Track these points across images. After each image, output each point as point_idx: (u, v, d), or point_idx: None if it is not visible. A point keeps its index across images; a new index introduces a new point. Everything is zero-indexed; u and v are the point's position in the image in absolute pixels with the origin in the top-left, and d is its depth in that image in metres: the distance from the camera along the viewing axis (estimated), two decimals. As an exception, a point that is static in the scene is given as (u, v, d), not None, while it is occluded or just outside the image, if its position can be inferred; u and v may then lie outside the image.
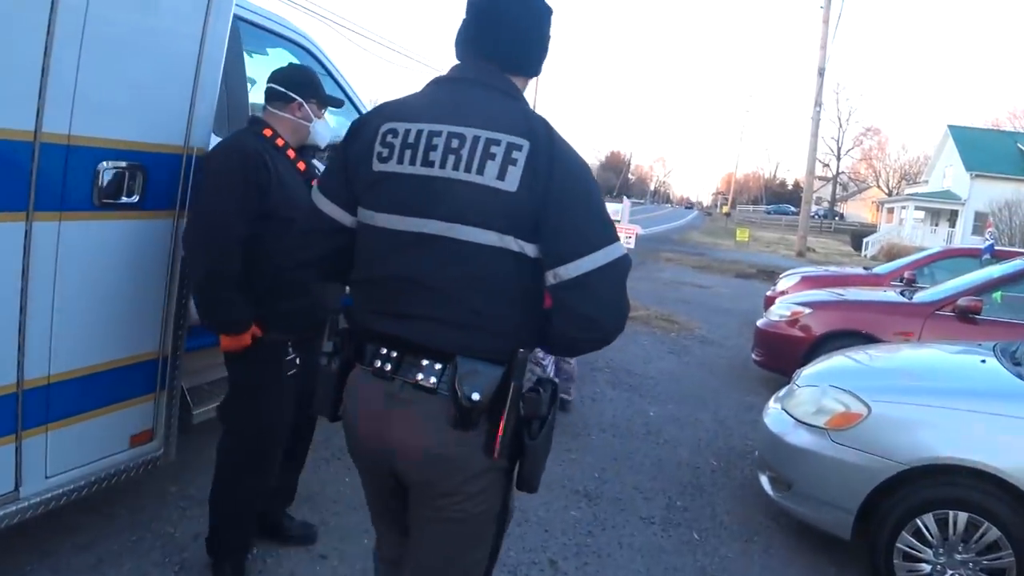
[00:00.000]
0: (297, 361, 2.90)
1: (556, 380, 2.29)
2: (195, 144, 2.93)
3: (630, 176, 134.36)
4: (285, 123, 2.92)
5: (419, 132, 1.66)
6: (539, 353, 5.35)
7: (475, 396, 1.57)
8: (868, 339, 6.42)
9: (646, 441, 5.33)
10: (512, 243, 1.61)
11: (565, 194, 1.62)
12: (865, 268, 10.61)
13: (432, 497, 1.70)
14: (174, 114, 2.86)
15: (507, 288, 1.64)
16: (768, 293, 10.50)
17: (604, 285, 1.63)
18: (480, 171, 1.59)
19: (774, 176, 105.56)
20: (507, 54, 1.77)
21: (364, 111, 4.71)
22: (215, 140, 3.53)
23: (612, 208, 10.92)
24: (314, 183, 1.94)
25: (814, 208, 49.01)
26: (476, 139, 1.61)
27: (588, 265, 1.60)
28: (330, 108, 3.25)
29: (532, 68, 1.84)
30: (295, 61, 4.56)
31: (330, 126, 3.17)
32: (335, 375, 1.80)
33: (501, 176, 1.59)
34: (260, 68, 4.84)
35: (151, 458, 3.05)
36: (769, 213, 79.38)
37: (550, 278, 1.62)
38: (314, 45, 4.47)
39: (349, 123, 1.91)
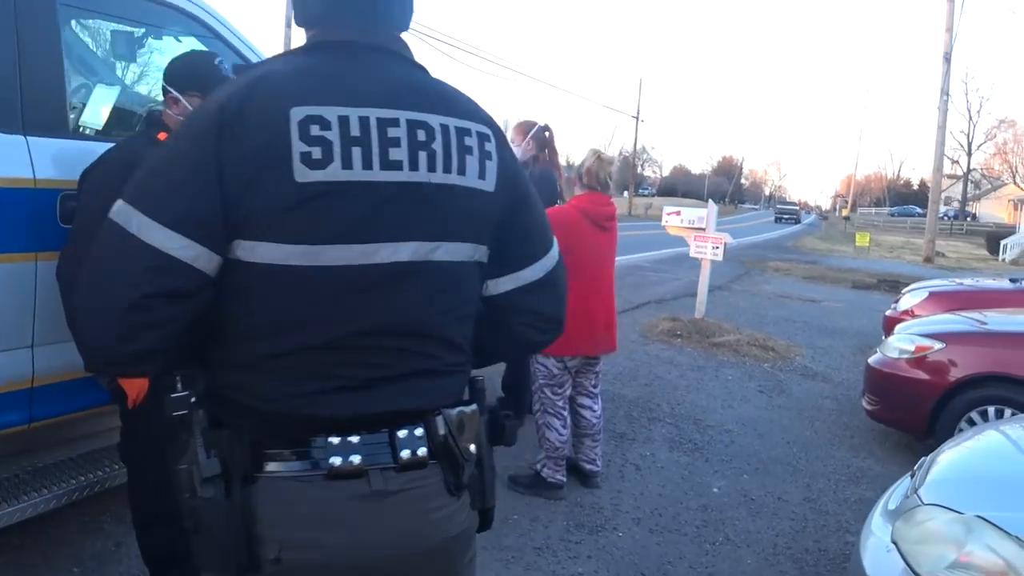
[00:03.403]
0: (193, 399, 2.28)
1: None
2: None
3: (743, 181, 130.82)
4: (172, 123, 2.55)
5: (364, 120, 1.21)
6: (558, 402, 3.98)
7: (473, 448, 1.35)
8: (1026, 388, 4.66)
9: (697, 540, 3.77)
10: (483, 253, 1.37)
11: (524, 188, 1.46)
12: (1012, 280, 8.51)
13: None
14: None
15: (472, 308, 1.39)
16: (888, 313, 8.59)
17: (561, 280, 1.53)
18: (462, 170, 1.30)
19: (897, 176, 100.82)
20: (398, 8, 1.36)
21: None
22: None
23: (696, 214, 9.36)
24: (119, 208, 1.17)
25: (943, 209, 45.38)
26: (445, 129, 1.29)
27: (551, 262, 1.49)
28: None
29: (409, 22, 1.41)
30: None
31: None
32: (240, 506, 1.18)
33: (482, 175, 1.34)
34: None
35: None
36: (893, 215, 75.43)
37: (507, 283, 1.44)
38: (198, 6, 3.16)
39: None
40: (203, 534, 1.19)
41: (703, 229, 9.11)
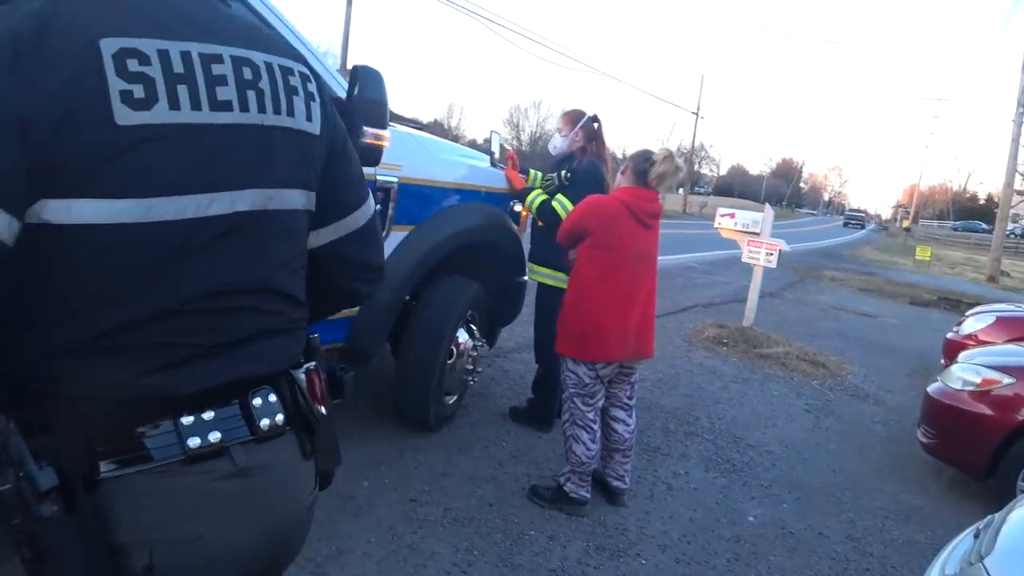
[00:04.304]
0: None
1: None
2: None
3: (802, 185, 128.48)
4: None
5: (186, 56, 1.06)
6: (588, 414, 3.71)
7: (324, 409, 1.28)
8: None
9: (727, 575, 3.49)
10: (311, 201, 1.28)
11: (343, 132, 1.38)
12: (1089, 311, 7.99)
13: (286, 564, 1.31)
14: None
15: (305, 260, 1.31)
16: (949, 335, 8.12)
17: (379, 229, 1.51)
18: (291, 112, 1.20)
19: (964, 189, 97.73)
20: None
21: (325, 71, 3.21)
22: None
23: (751, 217, 8.96)
24: None
25: (1011, 226, 43.59)
26: (270, 67, 1.18)
27: (369, 210, 1.44)
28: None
29: None
30: None
31: None
32: (90, 518, 1.00)
33: (309, 116, 1.24)
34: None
35: None
36: (956, 230, 72.96)
37: (329, 233, 1.36)
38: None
39: None
40: (50, 563, 0.99)
41: (757, 234, 8.72)
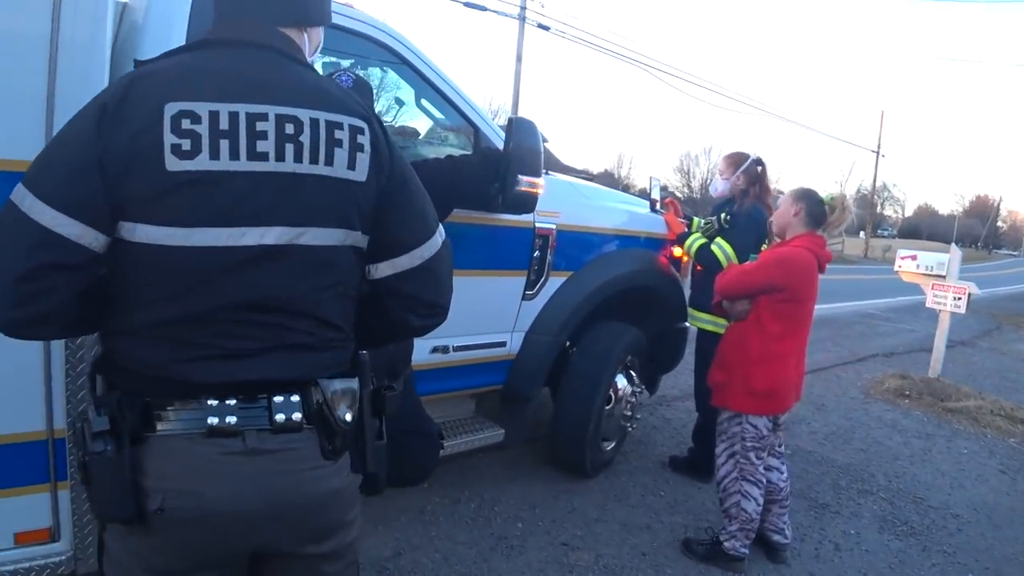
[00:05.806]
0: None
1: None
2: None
3: (1000, 224, 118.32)
4: None
5: (233, 115, 1.35)
6: (760, 468, 3.58)
7: (348, 417, 1.48)
8: None
9: (903, 649, 3.22)
10: (358, 238, 1.50)
11: (404, 178, 1.56)
12: None
13: (313, 551, 1.51)
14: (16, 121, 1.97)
15: (350, 289, 1.54)
16: None
17: (443, 268, 1.62)
18: (329, 161, 1.43)
19: None
20: (278, 7, 1.52)
21: (484, 124, 3.37)
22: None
23: (935, 259, 8.38)
24: (17, 189, 1.33)
25: None
26: (315, 123, 1.42)
27: (430, 250, 1.58)
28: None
29: (303, 18, 1.57)
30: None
31: None
32: (125, 461, 1.35)
33: (352, 165, 1.45)
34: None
35: (55, 562, 2.32)
36: None
37: (386, 268, 1.56)
38: (394, 37, 3.04)
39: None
40: (94, 487, 1.34)
41: (943, 277, 8.14)
